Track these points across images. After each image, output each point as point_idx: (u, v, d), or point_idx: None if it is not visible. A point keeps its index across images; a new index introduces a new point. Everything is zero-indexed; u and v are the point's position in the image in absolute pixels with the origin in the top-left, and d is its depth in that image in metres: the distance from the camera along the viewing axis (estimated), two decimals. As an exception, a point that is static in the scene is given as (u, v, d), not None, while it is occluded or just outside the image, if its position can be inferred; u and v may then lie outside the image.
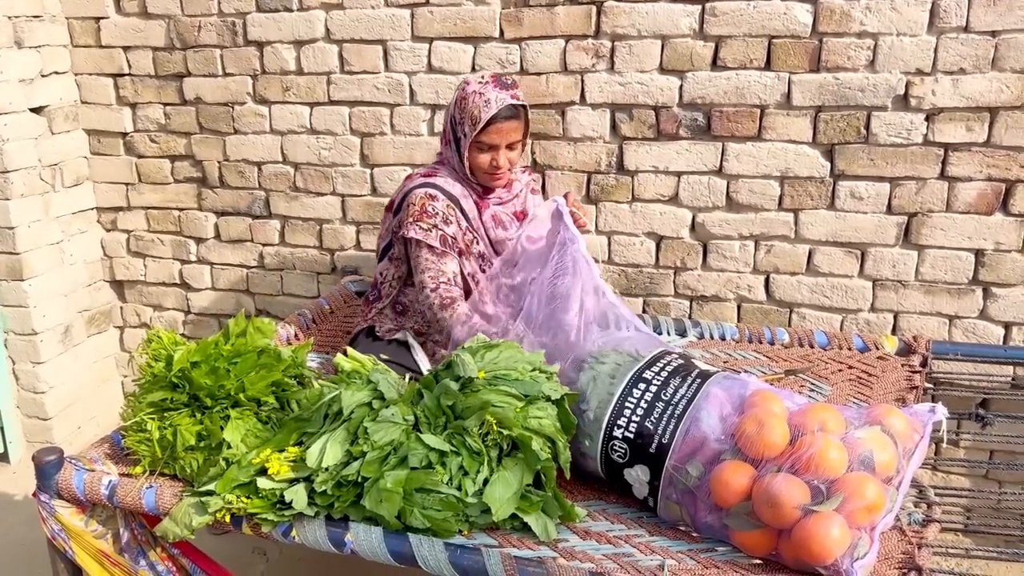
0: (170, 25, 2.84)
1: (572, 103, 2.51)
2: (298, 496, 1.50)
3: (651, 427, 1.54)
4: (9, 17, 2.75)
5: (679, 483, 1.49)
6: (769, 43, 2.31)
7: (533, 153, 2.59)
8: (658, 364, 1.64)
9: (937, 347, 2.19)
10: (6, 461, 3.03)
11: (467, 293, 2.08)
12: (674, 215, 2.52)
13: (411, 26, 2.60)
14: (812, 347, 2.25)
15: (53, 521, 1.66)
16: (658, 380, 1.60)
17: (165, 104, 2.95)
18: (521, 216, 2.22)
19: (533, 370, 1.62)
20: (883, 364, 2.13)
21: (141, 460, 1.67)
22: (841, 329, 2.47)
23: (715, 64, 2.37)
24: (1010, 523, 2.06)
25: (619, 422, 1.56)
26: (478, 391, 1.55)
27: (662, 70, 2.41)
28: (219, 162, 2.95)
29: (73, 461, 1.69)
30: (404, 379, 1.70)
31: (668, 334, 2.37)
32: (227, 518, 1.54)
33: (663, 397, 1.57)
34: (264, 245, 3.00)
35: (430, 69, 2.62)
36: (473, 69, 2.58)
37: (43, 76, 2.89)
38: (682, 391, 1.57)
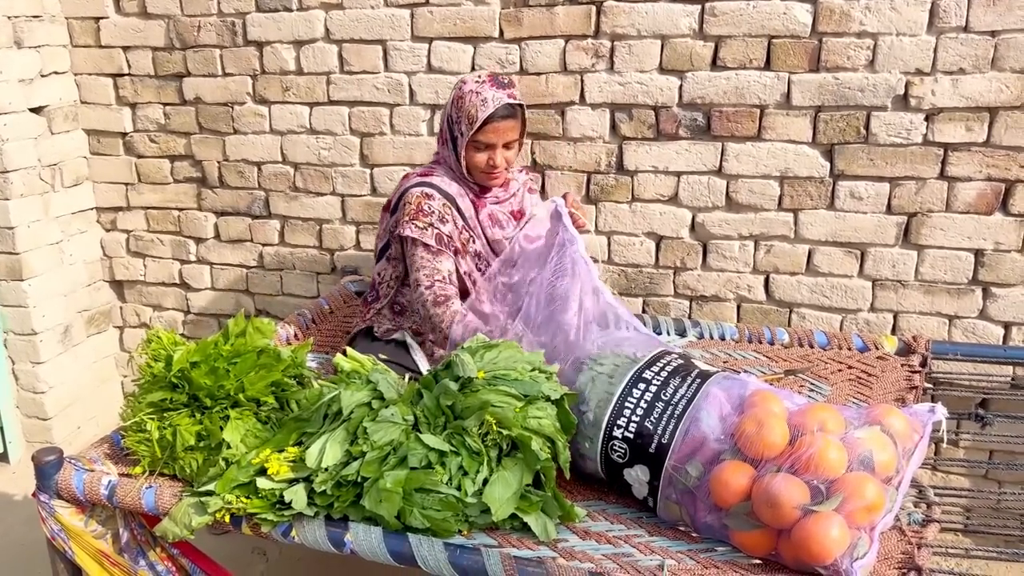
0: (170, 25, 2.84)
1: (572, 103, 2.51)
2: (298, 496, 1.50)
3: (651, 427, 1.54)
4: (9, 17, 2.75)
5: (679, 483, 1.49)
6: (769, 43, 2.31)
7: (533, 153, 2.59)
8: (658, 364, 1.64)
9: (937, 347, 2.19)
10: (6, 461, 3.03)
11: (464, 292, 2.08)
12: (674, 215, 2.52)
13: (411, 26, 2.60)
14: (812, 347, 2.25)
15: (53, 521, 1.66)
16: (658, 380, 1.60)
17: (165, 104, 2.95)
18: (518, 215, 2.22)
19: (533, 370, 1.62)
20: (883, 364, 2.13)
21: (141, 460, 1.67)
22: (841, 329, 2.47)
23: (715, 64, 2.37)
24: (1010, 523, 2.06)
25: (619, 422, 1.56)
26: (477, 391, 1.55)
27: (662, 70, 2.41)
28: (219, 162, 2.95)
29: (73, 461, 1.69)
30: (404, 379, 1.70)
31: (668, 334, 2.37)
32: (227, 518, 1.54)
33: (663, 397, 1.57)
34: (264, 245, 3.00)
35: (430, 69, 2.62)
36: (473, 69, 2.58)
37: (43, 76, 2.89)
38: (682, 391, 1.57)
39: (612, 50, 2.43)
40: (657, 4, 2.35)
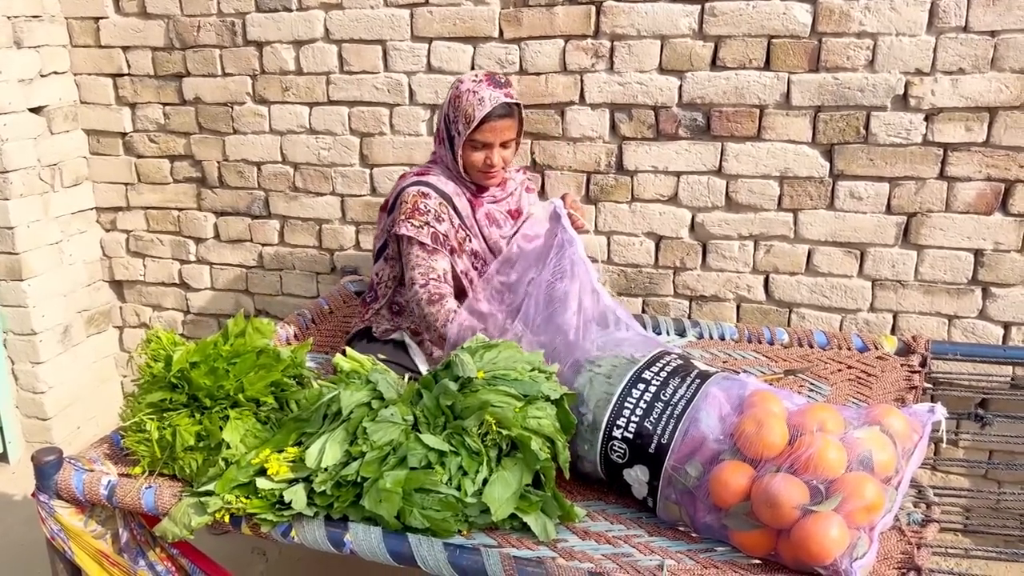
0: (169, 25, 2.84)
1: (571, 103, 2.51)
2: (297, 496, 1.50)
3: (650, 427, 1.54)
4: (8, 17, 2.75)
5: (678, 483, 1.49)
6: (768, 43, 2.31)
7: (532, 153, 2.59)
8: (657, 364, 1.64)
9: (936, 347, 2.19)
10: (5, 461, 3.03)
11: (460, 291, 2.08)
12: (673, 215, 2.52)
13: (410, 26, 2.60)
14: (811, 347, 2.25)
15: (52, 521, 1.66)
16: (657, 380, 1.60)
17: (164, 104, 2.95)
18: (516, 214, 2.22)
19: (532, 370, 1.62)
20: (882, 364, 2.13)
21: (140, 460, 1.67)
22: (840, 329, 2.47)
23: (714, 64, 2.37)
24: (1009, 523, 2.06)
25: (618, 422, 1.56)
26: (477, 391, 1.55)
27: (661, 70, 2.41)
28: (218, 162, 2.95)
29: (72, 461, 1.70)
30: (403, 379, 1.70)
31: (667, 334, 2.37)
32: (226, 518, 1.54)
33: (662, 397, 1.57)
34: (263, 245, 3.00)
35: (429, 69, 2.62)
36: (472, 69, 2.58)
37: (42, 76, 2.89)
38: (681, 391, 1.57)
39: (612, 50, 2.43)
40: (657, 4, 2.35)
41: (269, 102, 2.82)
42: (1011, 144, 2.20)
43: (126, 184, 3.09)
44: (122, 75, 2.96)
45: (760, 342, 2.29)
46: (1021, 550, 1.54)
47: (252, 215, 2.98)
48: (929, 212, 2.31)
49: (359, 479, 1.49)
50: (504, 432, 1.51)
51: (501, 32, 2.52)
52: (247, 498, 1.52)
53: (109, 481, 1.64)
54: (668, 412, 1.54)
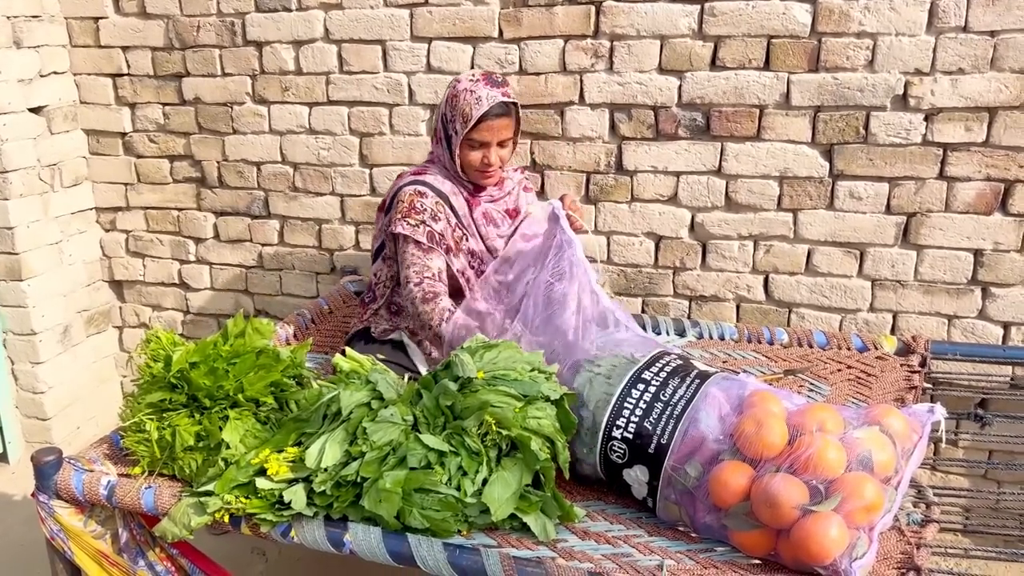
0: (169, 25, 2.84)
1: (571, 103, 2.51)
2: (297, 496, 1.50)
3: (650, 427, 1.54)
4: (8, 17, 2.75)
5: (678, 483, 1.49)
6: (768, 43, 2.31)
7: (532, 153, 2.59)
8: (657, 364, 1.64)
9: (936, 347, 2.19)
10: (5, 461, 3.03)
11: (457, 290, 2.08)
12: (673, 215, 2.52)
13: (410, 26, 2.60)
14: (811, 347, 2.25)
15: (52, 521, 1.66)
16: (657, 380, 1.60)
17: (164, 104, 2.95)
18: (513, 213, 2.22)
19: (532, 370, 1.62)
20: (882, 364, 2.13)
21: (140, 460, 1.67)
22: (840, 329, 2.47)
23: (714, 64, 2.37)
24: (1009, 523, 2.06)
25: (618, 422, 1.56)
26: (477, 391, 1.55)
27: (661, 70, 2.41)
28: (218, 162, 2.95)
29: (72, 461, 1.70)
30: (403, 379, 1.70)
31: (667, 334, 2.37)
32: (226, 518, 1.54)
33: (662, 397, 1.57)
34: (263, 245, 3.00)
35: (429, 69, 2.62)
36: (472, 69, 2.58)
37: (42, 76, 2.89)
38: (681, 391, 1.57)
39: (611, 50, 2.43)
40: (656, 4, 2.35)
41: (269, 102, 2.82)
42: (1011, 144, 2.20)
43: (126, 184, 3.09)
44: (122, 75, 2.96)
45: (760, 342, 2.29)
46: (1021, 550, 1.54)
47: (252, 215, 2.97)
48: (929, 212, 2.31)
49: (359, 479, 1.49)
50: (504, 432, 1.51)
51: (501, 32, 2.52)
52: (247, 498, 1.52)
53: (109, 481, 1.64)
54: (668, 412, 1.54)
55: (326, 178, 2.83)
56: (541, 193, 2.60)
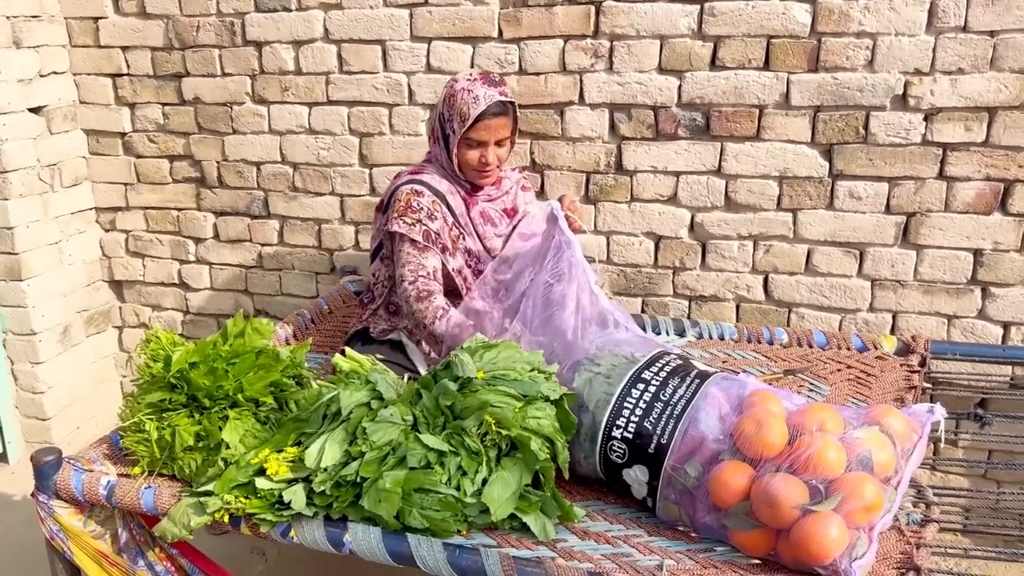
0: (169, 25, 2.84)
1: (571, 103, 2.51)
2: (297, 496, 1.50)
3: (650, 427, 1.54)
4: (8, 17, 2.75)
5: (678, 483, 1.49)
6: (768, 43, 2.31)
7: (532, 153, 2.59)
8: (657, 364, 1.64)
9: (936, 347, 2.19)
10: (5, 461, 3.03)
11: (454, 290, 2.08)
12: (673, 215, 2.52)
13: (410, 26, 2.60)
14: (811, 347, 2.25)
15: (51, 521, 1.66)
16: (657, 380, 1.60)
17: (164, 104, 2.94)
18: (511, 213, 2.22)
19: (532, 370, 1.62)
20: (882, 364, 2.13)
21: (140, 460, 1.67)
22: (840, 329, 2.47)
23: (714, 64, 2.37)
24: (1008, 523, 2.06)
25: (618, 422, 1.56)
26: (477, 391, 1.55)
27: (661, 70, 2.41)
28: (218, 162, 2.95)
29: (72, 461, 1.69)
30: (403, 379, 1.70)
31: (667, 334, 2.37)
32: (225, 518, 1.54)
33: (662, 397, 1.57)
34: (263, 245, 3.00)
35: (429, 69, 2.62)
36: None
37: (42, 76, 2.89)
38: (681, 391, 1.57)
39: (611, 50, 2.43)
40: (656, 4, 2.35)
41: (268, 102, 2.82)
42: (1010, 144, 2.20)
43: (125, 184, 3.09)
44: (121, 75, 2.96)
45: (759, 342, 2.29)
46: (1020, 550, 1.54)
47: (251, 215, 2.97)
48: (928, 212, 2.31)
49: (358, 479, 1.49)
50: (503, 432, 1.51)
51: (500, 32, 2.52)
52: (246, 498, 1.52)
53: (108, 481, 1.64)
54: (668, 412, 1.54)
55: (326, 178, 2.83)
56: (541, 193, 2.60)
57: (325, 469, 1.50)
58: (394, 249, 2.07)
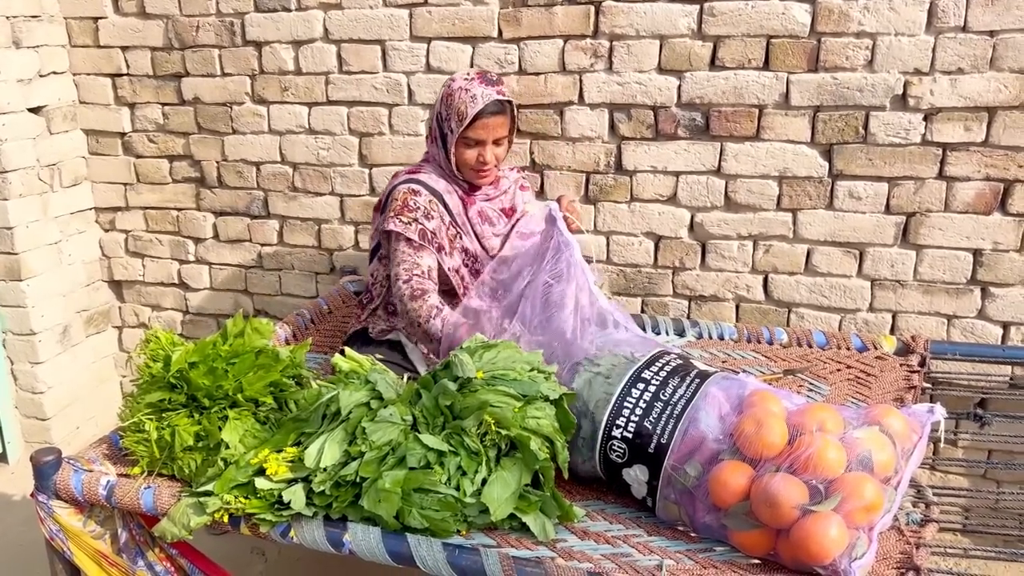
0: (168, 25, 2.84)
1: (570, 103, 2.51)
2: (296, 496, 1.50)
3: (650, 427, 1.54)
4: (7, 17, 2.75)
5: (677, 483, 1.49)
6: (767, 43, 2.31)
7: (532, 153, 2.59)
8: (657, 364, 1.64)
9: (935, 347, 2.19)
10: (4, 461, 3.03)
11: (451, 289, 2.08)
12: (672, 215, 2.52)
13: (409, 26, 2.60)
14: (811, 347, 2.25)
15: (51, 521, 1.66)
16: (657, 380, 1.60)
17: (163, 104, 2.94)
18: (510, 212, 2.22)
19: (531, 370, 1.62)
20: (881, 364, 2.13)
21: (139, 460, 1.67)
22: (840, 329, 2.47)
23: (713, 64, 2.37)
24: (1008, 523, 2.06)
25: (618, 422, 1.56)
26: (476, 391, 1.55)
27: (660, 70, 2.41)
28: (217, 162, 2.95)
29: (71, 461, 1.69)
30: (402, 379, 1.70)
31: (667, 334, 2.37)
32: (225, 518, 1.54)
33: (662, 397, 1.57)
34: (262, 245, 3.00)
35: (428, 69, 2.62)
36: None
37: (41, 76, 2.89)
38: (681, 391, 1.57)
39: (611, 50, 2.43)
40: (656, 4, 2.35)
41: (268, 102, 2.82)
42: (1010, 144, 2.20)
43: (125, 184, 3.09)
44: (121, 75, 2.96)
45: (759, 342, 2.29)
46: (1020, 550, 1.54)
47: (251, 215, 2.97)
48: (928, 212, 2.31)
49: (358, 479, 1.49)
50: (503, 432, 1.51)
51: (500, 32, 2.52)
52: (246, 498, 1.52)
53: (108, 481, 1.64)
54: (667, 412, 1.54)
55: (325, 178, 2.83)
56: (541, 193, 2.60)
57: (325, 469, 1.50)
58: (390, 248, 2.07)
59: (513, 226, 2.18)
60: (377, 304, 2.18)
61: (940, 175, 2.28)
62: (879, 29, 2.21)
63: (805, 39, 2.27)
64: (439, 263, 2.04)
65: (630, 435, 1.55)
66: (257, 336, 1.78)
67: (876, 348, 2.20)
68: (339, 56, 2.69)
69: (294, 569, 2.43)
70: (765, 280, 2.50)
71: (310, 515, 1.52)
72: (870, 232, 2.36)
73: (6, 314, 2.94)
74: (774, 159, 2.38)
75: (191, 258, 3.10)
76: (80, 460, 1.70)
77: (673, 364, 1.65)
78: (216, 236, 3.05)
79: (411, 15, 2.58)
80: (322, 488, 1.49)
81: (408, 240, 2.00)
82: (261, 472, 1.53)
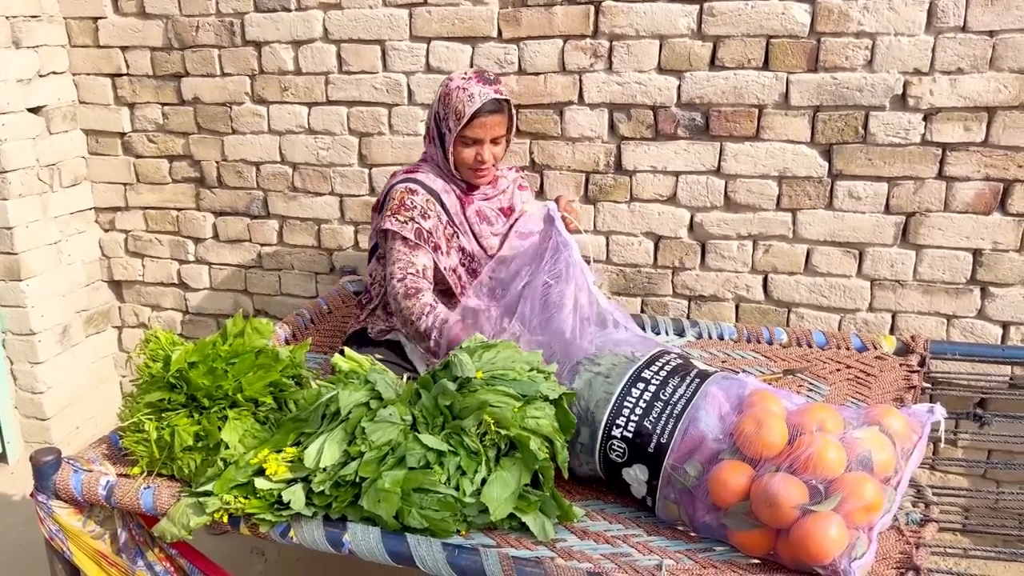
0: (168, 25, 2.83)
1: (570, 103, 2.51)
2: (296, 496, 1.50)
3: (650, 426, 1.54)
4: (7, 17, 2.75)
5: (677, 483, 1.49)
6: (767, 43, 2.31)
7: (531, 153, 2.59)
8: (657, 363, 1.64)
9: (935, 347, 2.19)
10: (4, 461, 3.03)
11: (448, 288, 2.08)
12: (672, 215, 2.52)
13: (409, 26, 2.60)
14: (810, 347, 2.25)
15: (51, 521, 1.66)
16: (657, 379, 1.60)
17: (163, 104, 2.94)
18: (508, 212, 2.22)
19: (531, 370, 1.62)
20: (881, 364, 2.13)
21: (139, 460, 1.67)
22: (839, 329, 2.47)
23: (713, 64, 2.37)
24: (1008, 523, 2.06)
25: (618, 421, 1.56)
26: (476, 391, 1.55)
27: (660, 70, 2.41)
28: (217, 162, 2.95)
29: (71, 461, 1.69)
30: (402, 379, 1.70)
31: (666, 334, 2.37)
32: (225, 518, 1.54)
33: (662, 396, 1.57)
34: (262, 245, 3.00)
35: (428, 69, 2.62)
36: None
37: (41, 76, 2.89)
38: (681, 391, 1.57)
39: (610, 50, 2.43)
40: (655, 4, 2.35)
41: (268, 102, 2.81)
42: (1009, 144, 2.20)
43: (125, 184, 3.09)
44: (121, 75, 2.96)
45: (759, 342, 2.29)
46: (1020, 550, 1.54)
47: (251, 215, 2.97)
48: (928, 212, 2.31)
49: (357, 479, 1.49)
50: (503, 432, 1.51)
51: (500, 32, 2.52)
52: (245, 498, 1.52)
53: (108, 481, 1.64)
54: (667, 411, 1.54)
55: (325, 178, 2.83)
56: (540, 193, 2.60)
57: (324, 469, 1.50)
58: (386, 247, 2.07)
59: (512, 226, 2.18)
60: (376, 304, 2.18)
61: (940, 175, 2.28)
62: (879, 29, 2.21)
63: (805, 39, 2.27)
64: (435, 262, 2.04)
65: (630, 434, 1.55)
66: (257, 336, 1.78)
67: (876, 348, 2.20)
68: (339, 56, 2.69)
69: (294, 569, 2.43)
70: (765, 280, 2.50)
71: (310, 515, 1.52)
72: (870, 232, 2.36)
73: (6, 314, 2.94)
74: (774, 159, 2.38)
75: (191, 258, 3.10)
76: (80, 460, 1.70)
77: (673, 364, 1.65)
78: (216, 236, 3.05)
79: (411, 15, 2.58)
80: (322, 488, 1.49)
81: (404, 239, 2.01)
82: (261, 472, 1.53)
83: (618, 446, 1.56)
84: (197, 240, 3.08)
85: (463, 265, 2.13)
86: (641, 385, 1.59)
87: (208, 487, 1.54)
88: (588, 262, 1.83)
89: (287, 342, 2.32)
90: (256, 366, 1.71)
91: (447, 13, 2.54)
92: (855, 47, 2.24)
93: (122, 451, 1.73)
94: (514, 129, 2.14)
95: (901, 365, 2.11)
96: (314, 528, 1.51)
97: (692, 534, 1.51)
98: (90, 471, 1.68)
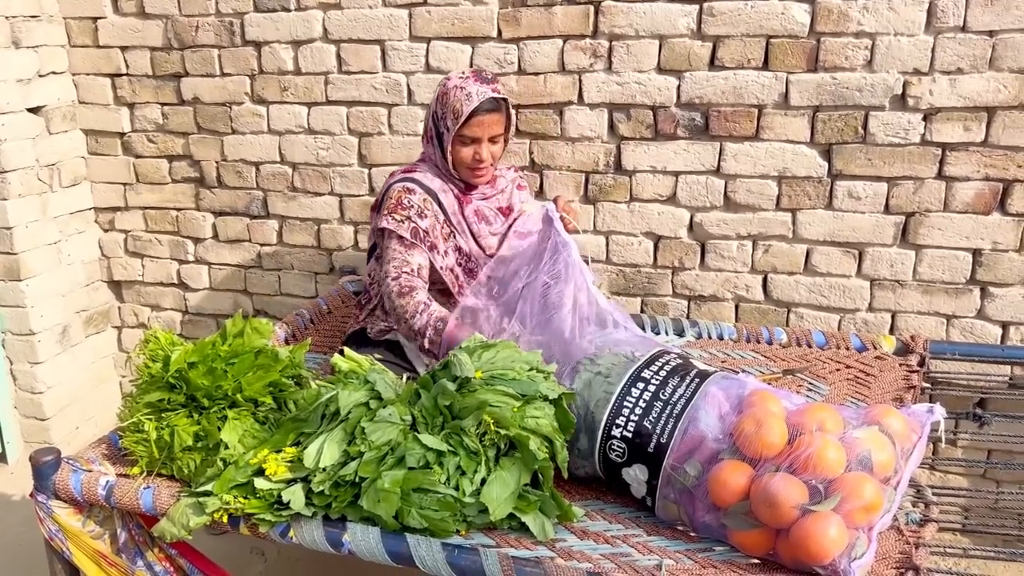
0: (168, 25, 2.83)
1: (570, 103, 2.51)
2: (295, 496, 1.50)
3: (649, 426, 1.54)
4: (6, 17, 2.75)
5: (677, 482, 1.49)
6: (767, 43, 2.31)
7: (531, 153, 2.59)
8: (656, 363, 1.64)
9: (935, 347, 2.19)
10: (4, 462, 3.03)
11: (445, 288, 2.08)
12: (672, 215, 2.52)
13: (409, 26, 2.60)
14: (810, 347, 2.25)
15: (50, 521, 1.66)
16: (656, 379, 1.60)
17: (163, 104, 2.94)
18: (507, 211, 2.22)
19: (530, 370, 1.62)
20: (881, 364, 2.13)
21: (139, 460, 1.67)
22: (839, 329, 2.47)
23: (713, 64, 2.37)
24: (1008, 523, 2.06)
25: (617, 421, 1.56)
26: (475, 391, 1.55)
27: (660, 70, 2.41)
28: (217, 162, 2.95)
29: (70, 461, 1.69)
30: (401, 379, 1.70)
31: (666, 334, 2.37)
32: (224, 518, 1.54)
33: (661, 396, 1.57)
34: (262, 245, 3.00)
35: (428, 69, 2.62)
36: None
37: (40, 76, 2.88)
38: (680, 390, 1.57)
39: (610, 50, 2.43)
40: (655, 4, 2.35)
41: (268, 102, 2.81)
42: (1009, 144, 2.20)
43: (124, 184, 3.09)
44: (120, 75, 2.96)
45: (759, 342, 2.29)
46: (1019, 550, 1.54)
47: (251, 215, 2.97)
48: (927, 212, 2.31)
49: (357, 479, 1.49)
50: (502, 432, 1.51)
51: (499, 32, 2.52)
52: (245, 498, 1.52)
53: (107, 481, 1.64)
54: (667, 411, 1.54)
55: (325, 178, 2.83)
56: (540, 193, 2.60)
57: (324, 469, 1.50)
58: (383, 246, 2.07)
59: (510, 225, 2.18)
60: (375, 304, 2.18)
61: (939, 175, 2.28)
62: (878, 29, 2.21)
63: (804, 39, 2.27)
64: (432, 262, 2.04)
65: (630, 434, 1.55)
66: (256, 336, 1.78)
67: (875, 348, 2.20)
68: (338, 56, 2.69)
69: (293, 569, 2.43)
70: (764, 280, 2.50)
71: (309, 515, 1.52)
72: (869, 232, 2.36)
73: (5, 314, 2.93)
74: (773, 159, 2.38)
75: (190, 258, 3.10)
76: (79, 460, 1.70)
77: (673, 364, 1.65)
78: (215, 236, 3.05)
79: (410, 15, 2.58)
80: (321, 488, 1.49)
81: (400, 238, 2.01)
82: (260, 472, 1.53)
83: (618, 446, 1.56)
84: (197, 240, 3.08)
85: (460, 265, 2.13)
86: (641, 385, 1.59)
87: (208, 487, 1.54)
88: (587, 262, 1.83)
89: (287, 342, 2.32)
90: (256, 366, 1.71)
91: (447, 13, 2.54)
92: (855, 47, 2.24)
93: (122, 451, 1.73)
94: (512, 128, 2.14)
95: (901, 365, 2.11)
96: (314, 528, 1.51)
97: (692, 534, 1.51)
98: (90, 471, 1.67)
